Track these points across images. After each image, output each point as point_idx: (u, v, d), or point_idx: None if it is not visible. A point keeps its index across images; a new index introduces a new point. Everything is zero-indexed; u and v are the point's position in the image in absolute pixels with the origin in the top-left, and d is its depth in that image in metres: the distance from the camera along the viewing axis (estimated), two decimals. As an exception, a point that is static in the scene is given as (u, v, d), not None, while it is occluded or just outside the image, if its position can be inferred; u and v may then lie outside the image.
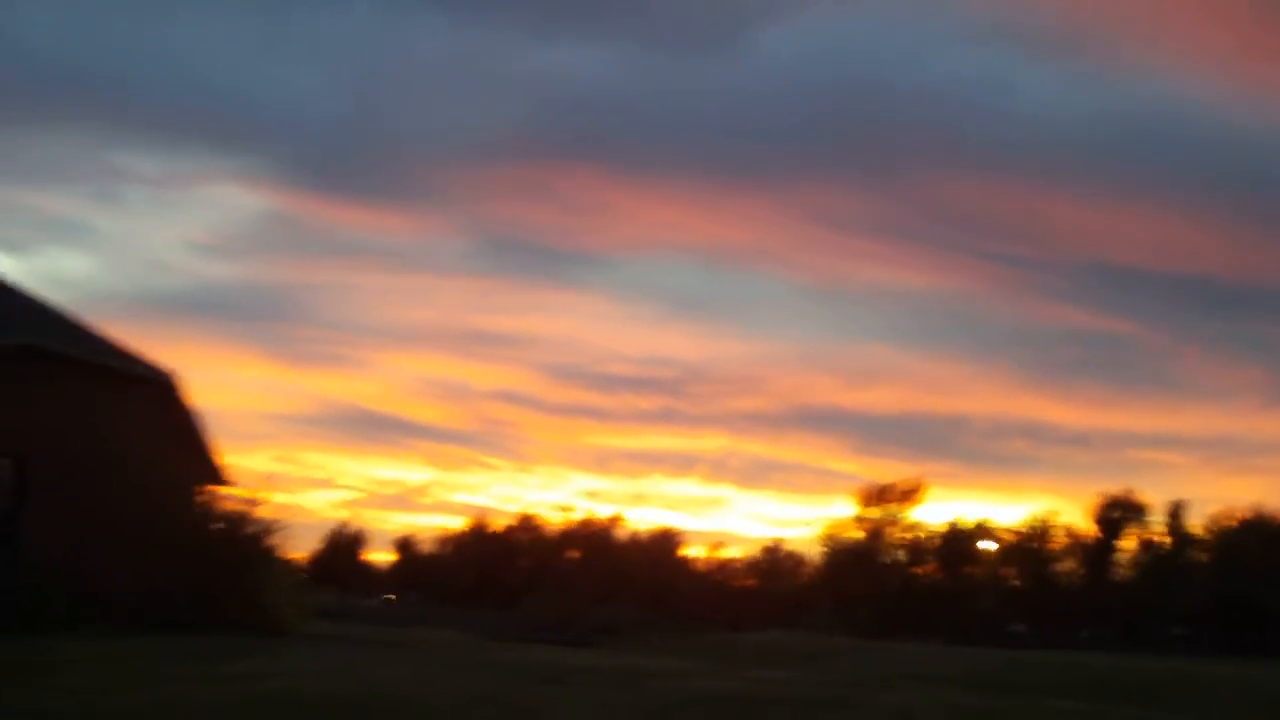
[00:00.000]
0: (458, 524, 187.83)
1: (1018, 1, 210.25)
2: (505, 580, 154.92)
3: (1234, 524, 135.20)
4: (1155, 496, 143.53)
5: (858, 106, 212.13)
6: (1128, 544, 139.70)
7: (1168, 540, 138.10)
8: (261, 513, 43.55)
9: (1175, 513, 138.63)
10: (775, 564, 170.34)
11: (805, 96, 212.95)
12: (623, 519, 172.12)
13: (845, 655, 68.62)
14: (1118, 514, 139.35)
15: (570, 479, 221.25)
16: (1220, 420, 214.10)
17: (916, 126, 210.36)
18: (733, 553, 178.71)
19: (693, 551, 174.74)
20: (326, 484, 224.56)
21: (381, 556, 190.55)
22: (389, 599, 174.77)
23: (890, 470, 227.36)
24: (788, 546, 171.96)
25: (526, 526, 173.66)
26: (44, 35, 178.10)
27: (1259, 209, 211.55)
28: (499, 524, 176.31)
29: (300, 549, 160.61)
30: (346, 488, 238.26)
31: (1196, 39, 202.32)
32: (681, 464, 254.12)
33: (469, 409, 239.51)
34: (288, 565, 46.12)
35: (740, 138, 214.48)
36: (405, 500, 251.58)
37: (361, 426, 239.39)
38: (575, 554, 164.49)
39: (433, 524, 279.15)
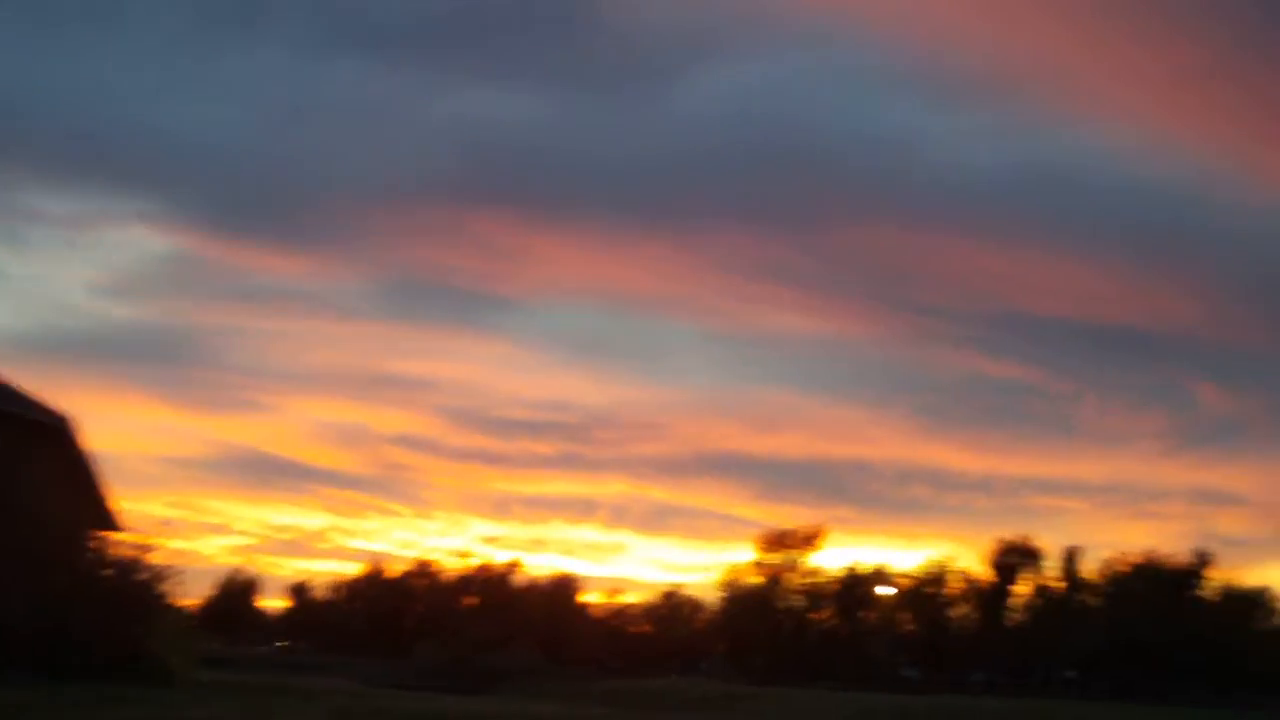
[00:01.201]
0: (354, 570, 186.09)
1: (932, 52, 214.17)
2: (400, 627, 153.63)
3: (1126, 569, 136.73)
4: (1051, 541, 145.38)
5: (770, 154, 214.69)
6: (1022, 589, 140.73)
7: (1061, 585, 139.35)
8: (154, 559, 43.00)
9: (1070, 557, 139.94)
10: (673, 610, 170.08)
11: (718, 144, 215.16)
12: (520, 565, 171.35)
13: (741, 701, 68.76)
14: (1013, 559, 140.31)
15: (469, 524, 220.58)
16: (1118, 466, 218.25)
17: (828, 174, 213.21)
18: (631, 599, 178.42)
19: (590, 597, 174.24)
20: (222, 529, 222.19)
21: (275, 603, 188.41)
22: (281, 646, 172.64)
23: (792, 515, 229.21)
24: (686, 592, 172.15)
25: (423, 572, 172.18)
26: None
27: (1163, 259, 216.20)
28: (395, 570, 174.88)
29: (192, 595, 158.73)
30: (242, 533, 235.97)
31: (1108, 92, 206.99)
32: (582, 510, 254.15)
33: (369, 454, 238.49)
34: (177, 612, 45.53)
35: (651, 183, 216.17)
36: (301, 546, 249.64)
37: (259, 471, 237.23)
38: (471, 600, 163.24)
39: (329, 570, 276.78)
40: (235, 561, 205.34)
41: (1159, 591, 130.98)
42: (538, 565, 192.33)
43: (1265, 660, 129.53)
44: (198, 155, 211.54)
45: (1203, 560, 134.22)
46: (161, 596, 43.06)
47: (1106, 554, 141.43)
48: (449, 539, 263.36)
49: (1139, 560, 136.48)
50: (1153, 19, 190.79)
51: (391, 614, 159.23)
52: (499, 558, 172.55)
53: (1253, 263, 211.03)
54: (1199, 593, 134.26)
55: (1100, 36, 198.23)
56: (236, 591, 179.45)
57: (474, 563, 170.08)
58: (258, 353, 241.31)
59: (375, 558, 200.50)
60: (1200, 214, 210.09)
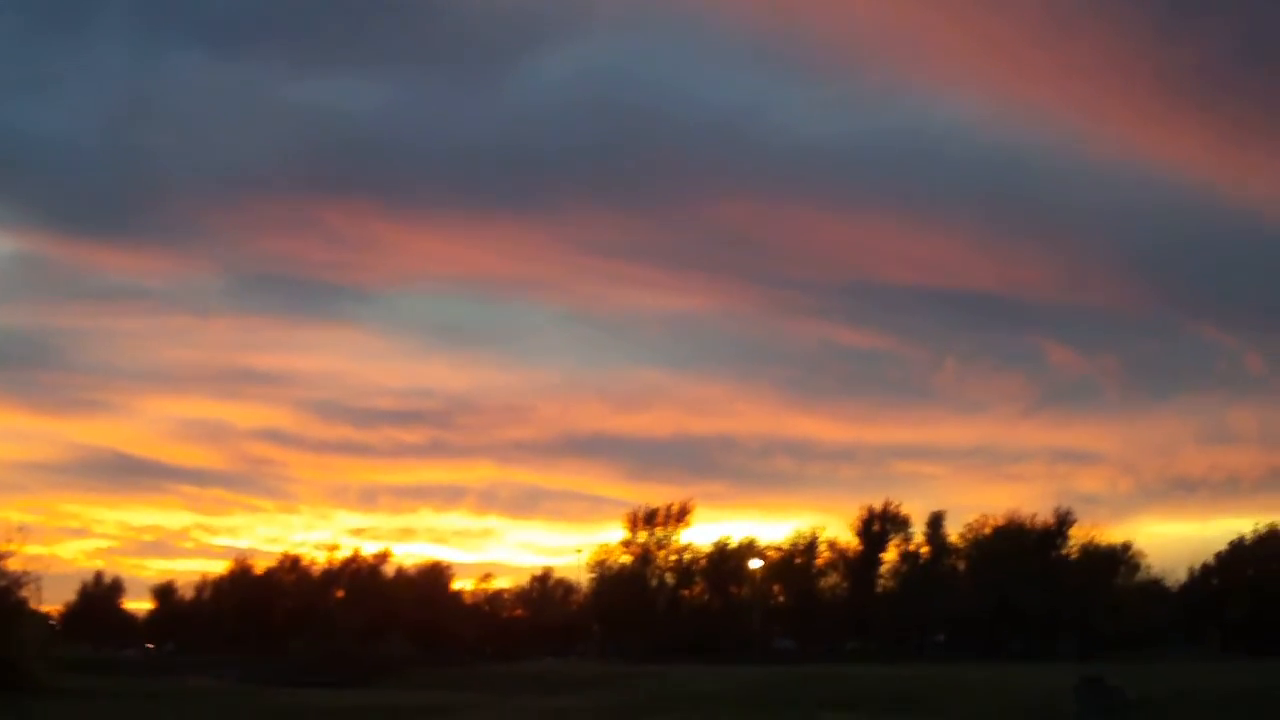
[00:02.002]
0: (220, 568, 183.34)
1: (781, 27, 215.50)
2: (270, 623, 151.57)
3: (989, 531, 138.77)
4: (917, 507, 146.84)
5: (621, 133, 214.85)
6: (891, 556, 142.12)
7: (927, 550, 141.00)
8: (10, 565, 41.99)
9: (934, 523, 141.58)
10: (546, 593, 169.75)
11: (569, 124, 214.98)
12: (390, 555, 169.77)
13: (617, 680, 68.69)
14: (879, 527, 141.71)
15: (336, 517, 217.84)
16: (978, 430, 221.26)
17: (680, 151, 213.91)
18: (503, 584, 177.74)
19: (463, 584, 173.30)
20: (82, 533, 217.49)
21: (141, 605, 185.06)
22: (149, 647, 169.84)
23: (660, 493, 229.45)
24: (558, 575, 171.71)
25: (291, 567, 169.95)
26: None
27: (1017, 225, 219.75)
28: (262, 566, 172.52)
29: (53, 601, 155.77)
30: (103, 536, 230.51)
31: (958, 60, 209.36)
32: (449, 497, 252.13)
33: (230, 450, 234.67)
34: (38, 618, 44.54)
35: (505, 167, 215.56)
36: (165, 546, 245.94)
37: (118, 472, 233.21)
38: (341, 593, 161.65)
39: (194, 569, 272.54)
40: (97, 565, 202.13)
41: (1023, 552, 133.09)
42: (408, 554, 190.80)
43: (1128, 614, 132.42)
44: (39, 156, 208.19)
45: (1064, 520, 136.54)
46: (20, 603, 42.10)
47: (971, 517, 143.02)
48: (316, 532, 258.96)
49: (1002, 522, 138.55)
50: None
51: (261, 610, 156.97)
52: (368, 549, 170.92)
53: (1104, 226, 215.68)
54: (1062, 552, 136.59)
55: (949, 4, 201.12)
56: (100, 595, 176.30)
57: (343, 555, 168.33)
58: (111, 353, 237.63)
59: (242, 555, 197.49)
60: (1052, 179, 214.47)
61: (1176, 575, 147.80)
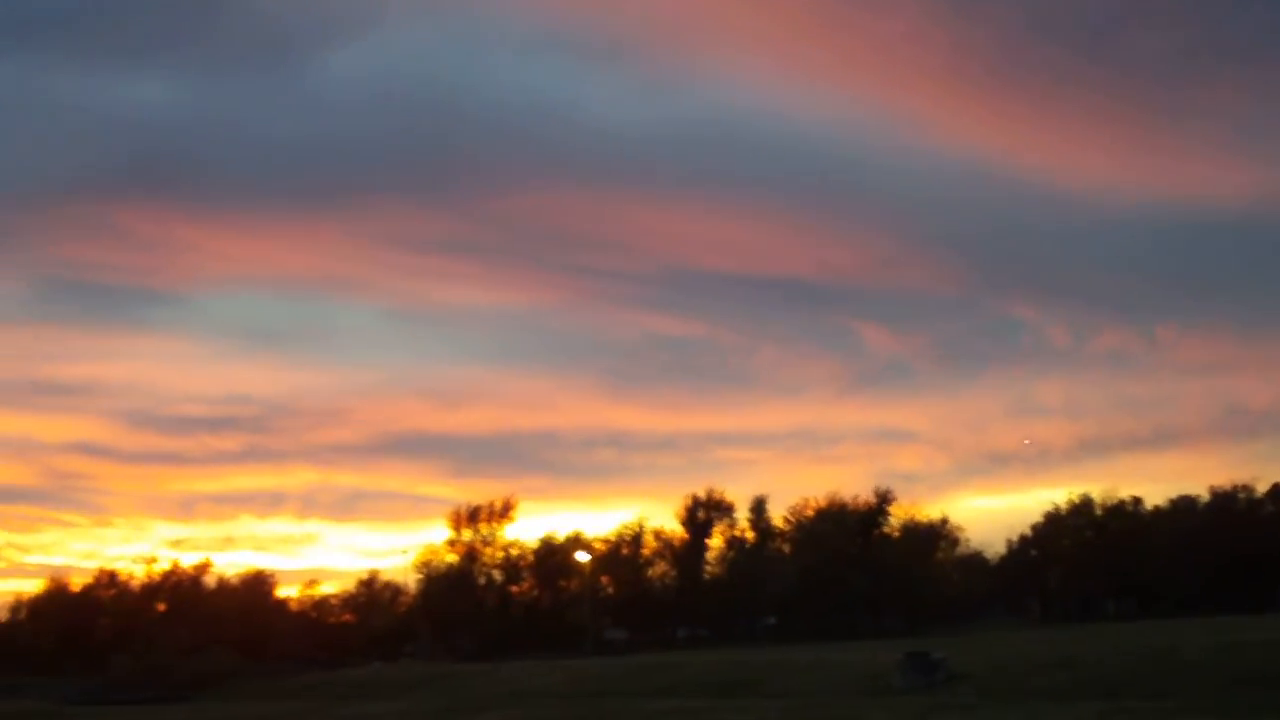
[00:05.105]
0: (34, 587, 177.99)
1: (582, 13, 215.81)
2: (90, 640, 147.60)
3: (811, 514, 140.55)
4: (740, 493, 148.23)
5: (424, 125, 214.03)
6: (717, 542, 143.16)
7: (752, 535, 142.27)
8: None
9: (757, 508, 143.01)
10: (372, 596, 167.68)
11: (371, 119, 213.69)
12: (211, 565, 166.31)
13: (445, 681, 68.10)
14: (704, 514, 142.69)
15: (154, 529, 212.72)
16: (796, 413, 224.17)
17: (485, 142, 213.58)
18: (329, 588, 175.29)
19: (287, 591, 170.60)
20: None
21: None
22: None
23: (485, 490, 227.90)
24: (384, 577, 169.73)
25: (109, 583, 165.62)
26: None
27: (824, 208, 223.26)
28: (79, 583, 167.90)
29: None
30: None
31: (762, 46, 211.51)
32: (269, 503, 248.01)
33: (39, 465, 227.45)
34: None
35: (313, 165, 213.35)
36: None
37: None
38: (162, 606, 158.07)
39: (7, 589, 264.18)
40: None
41: (846, 532, 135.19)
42: (229, 564, 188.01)
43: (950, 587, 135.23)
44: None
45: (884, 499, 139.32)
46: None
47: (793, 501, 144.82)
48: (133, 545, 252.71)
49: (824, 504, 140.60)
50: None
51: (80, 628, 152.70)
52: (187, 560, 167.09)
53: (911, 208, 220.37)
54: (884, 530, 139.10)
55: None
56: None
57: (162, 568, 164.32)
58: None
59: (56, 572, 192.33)
60: (859, 162, 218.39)
61: (995, 548, 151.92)
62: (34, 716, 50.02)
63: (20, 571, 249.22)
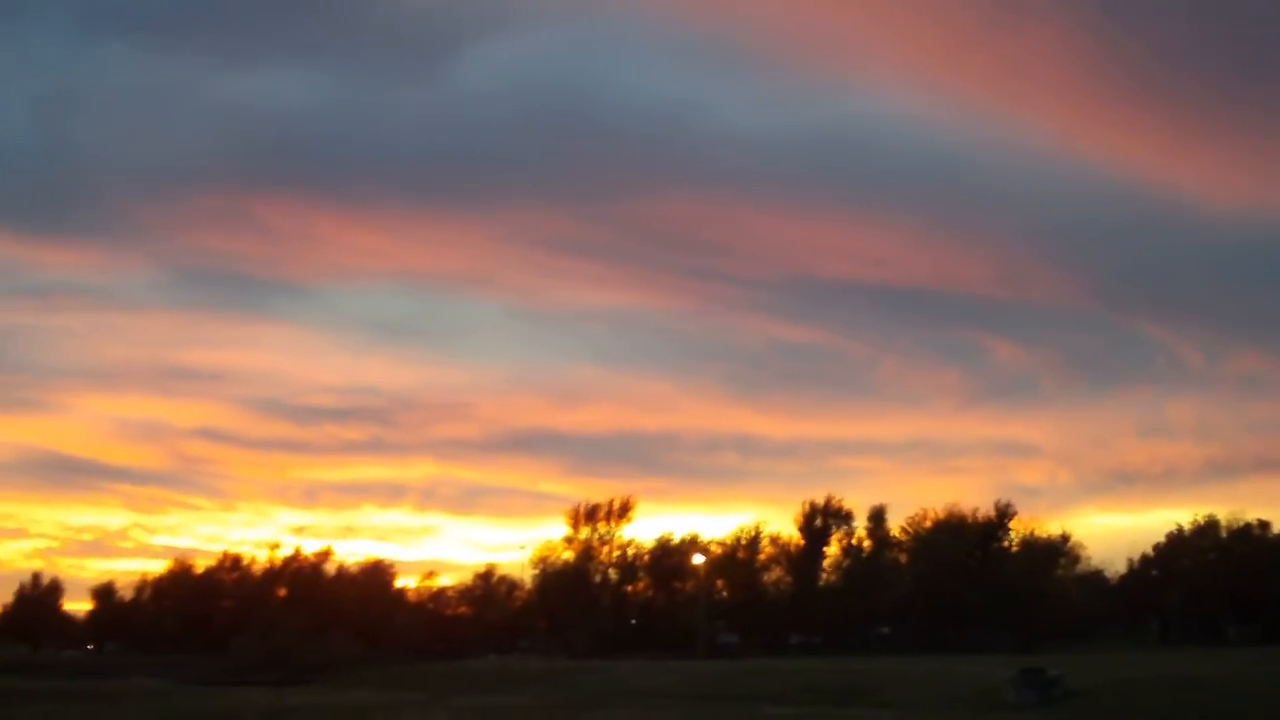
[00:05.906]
0: (160, 568, 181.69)
1: (720, 20, 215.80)
2: (211, 623, 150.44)
3: (929, 525, 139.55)
4: (859, 502, 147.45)
5: (555, 126, 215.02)
6: (833, 550, 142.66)
7: (869, 544, 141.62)
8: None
9: (876, 517, 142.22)
10: (489, 590, 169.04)
11: (508, 118, 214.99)
12: (332, 553, 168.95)
13: (561, 677, 68.72)
14: (821, 521, 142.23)
15: (276, 515, 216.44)
16: (918, 424, 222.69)
17: (615, 144, 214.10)
18: (446, 581, 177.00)
19: (406, 582, 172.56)
20: (18, 533, 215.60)
21: (81, 605, 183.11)
22: (90, 649, 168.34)
23: (602, 489, 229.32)
24: (501, 572, 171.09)
25: (232, 566, 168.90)
26: None
27: (956, 221, 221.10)
28: (202, 565, 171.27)
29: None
30: (40, 536, 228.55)
31: (894, 56, 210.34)
32: (391, 494, 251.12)
33: (168, 448, 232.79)
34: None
35: (444, 162, 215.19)
36: (104, 546, 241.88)
37: (54, 472, 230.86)
38: (283, 592, 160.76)
39: (134, 569, 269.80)
40: (35, 565, 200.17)
41: (963, 545, 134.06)
42: (350, 552, 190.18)
43: (1068, 605, 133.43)
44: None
45: (1004, 513, 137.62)
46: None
47: (912, 511, 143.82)
48: (256, 531, 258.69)
49: (942, 516, 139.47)
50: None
51: (202, 610, 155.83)
52: (309, 547, 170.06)
53: (1040, 221, 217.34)
54: (1002, 544, 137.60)
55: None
56: (39, 596, 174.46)
57: (284, 554, 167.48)
58: (44, 350, 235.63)
59: (182, 554, 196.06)
60: (991, 175, 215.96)
61: (1116, 567, 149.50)
62: (155, 696, 51.08)
63: (146, 552, 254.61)
